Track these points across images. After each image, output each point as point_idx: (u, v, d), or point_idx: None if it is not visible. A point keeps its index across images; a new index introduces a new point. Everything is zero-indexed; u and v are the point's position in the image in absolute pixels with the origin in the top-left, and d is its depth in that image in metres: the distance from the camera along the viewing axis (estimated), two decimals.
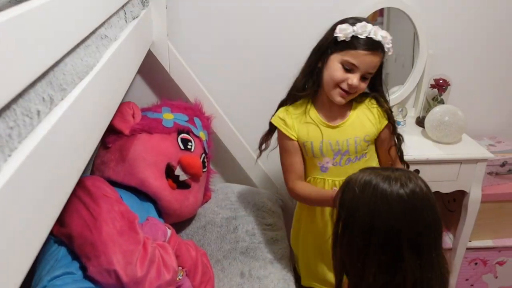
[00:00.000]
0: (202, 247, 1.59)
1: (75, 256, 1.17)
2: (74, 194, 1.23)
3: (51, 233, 1.21)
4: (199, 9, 1.75)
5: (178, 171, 1.52)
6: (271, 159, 2.05)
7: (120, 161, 1.45)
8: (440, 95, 1.89)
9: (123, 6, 1.15)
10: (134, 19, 1.27)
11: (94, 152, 1.54)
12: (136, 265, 1.13)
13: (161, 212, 1.53)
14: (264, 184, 2.01)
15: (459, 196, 1.88)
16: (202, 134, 1.67)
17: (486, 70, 2.01)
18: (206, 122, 1.76)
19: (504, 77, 2.04)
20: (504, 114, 2.12)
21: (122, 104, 1.52)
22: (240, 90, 1.92)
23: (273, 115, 1.45)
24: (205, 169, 1.66)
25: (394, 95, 1.96)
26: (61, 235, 1.19)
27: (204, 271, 1.44)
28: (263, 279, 1.48)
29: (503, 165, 1.89)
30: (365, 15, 1.80)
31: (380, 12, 1.88)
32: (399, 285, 0.86)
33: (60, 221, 1.19)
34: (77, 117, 0.72)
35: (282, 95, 1.91)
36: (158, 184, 1.46)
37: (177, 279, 1.29)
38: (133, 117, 1.52)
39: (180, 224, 1.65)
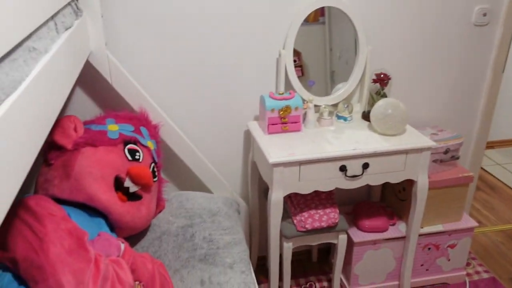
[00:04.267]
0: (158, 258, 1.55)
1: (21, 281, 1.11)
2: (16, 216, 1.17)
3: None
4: (135, 15, 1.71)
5: (127, 183, 1.48)
6: (223, 162, 2.06)
7: (65, 178, 1.39)
8: (382, 89, 1.95)
9: (53, 17, 1.10)
10: (66, 29, 1.22)
11: (35, 170, 1.47)
12: (88, 284, 1.08)
13: (113, 226, 1.48)
14: (218, 188, 2.00)
15: (409, 185, 1.94)
16: (150, 143, 1.63)
17: (423, 62, 2.10)
18: (153, 131, 1.72)
19: (440, 68, 2.14)
20: (443, 103, 2.22)
21: (62, 118, 1.46)
22: (184, 95, 1.89)
23: None
24: (155, 179, 1.63)
25: (339, 92, 2.01)
26: (5, 260, 1.12)
27: (163, 283, 1.40)
28: (223, 285, 1.46)
29: (446, 152, 1.97)
30: (303, 15, 1.83)
31: (322, 11, 1.92)
32: None
33: (3, 245, 1.13)
34: (6, 136, 0.68)
35: (227, 97, 1.93)
36: (107, 197, 1.41)
37: None
38: (75, 130, 1.46)
39: (134, 237, 1.60)
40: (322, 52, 2.04)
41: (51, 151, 1.45)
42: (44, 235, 1.11)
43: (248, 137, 2.04)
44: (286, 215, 1.88)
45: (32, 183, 1.52)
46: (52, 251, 1.09)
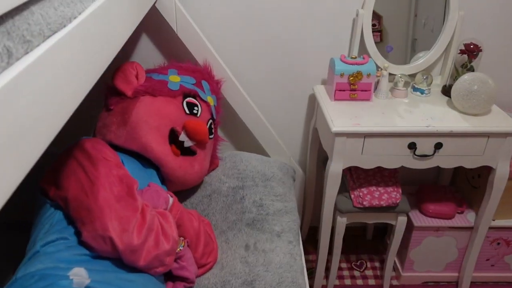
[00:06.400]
0: (206, 217, 1.53)
1: (70, 221, 1.13)
2: (72, 156, 1.17)
3: (48, 197, 1.17)
4: None
5: (182, 137, 1.44)
6: (284, 126, 1.97)
7: (122, 124, 1.38)
8: (470, 61, 1.73)
9: None
10: None
11: (95, 116, 1.47)
12: (132, 232, 1.08)
13: (165, 179, 1.47)
14: (275, 152, 1.92)
15: (484, 172, 1.75)
16: (210, 99, 1.58)
17: None
18: (215, 86, 1.67)
19: None
20: None
21: (125, 64, 1.44)
22: (251, 53, 1.81)
23: None
24: (212, 136, 1.58)
25: (419, 61, 1.82)
26: (58, 198, 1.15)
27: (207, 242, 1.39)
28: (268, 253, 1.41)
29: None
30: None
31: None
32: None
33: (57, 183, 1.15)
34: (46, 75, 0.64)
35: (295, 59, 1.81)
36: (161, 149, 1.39)
37: (178, 249, 1.24)
38: (137, 78, 1.44)
39: (184, 192, 1.59)
40: (405, 18, 1.85)
41: (112, 96, 1.44)
42: (96, 178, 1.11)
43: (313, 102, 1.93)
44: (344, 188, 1.78)
45: (92, 128, 1.53)
46: (102, 195, 1.09)
